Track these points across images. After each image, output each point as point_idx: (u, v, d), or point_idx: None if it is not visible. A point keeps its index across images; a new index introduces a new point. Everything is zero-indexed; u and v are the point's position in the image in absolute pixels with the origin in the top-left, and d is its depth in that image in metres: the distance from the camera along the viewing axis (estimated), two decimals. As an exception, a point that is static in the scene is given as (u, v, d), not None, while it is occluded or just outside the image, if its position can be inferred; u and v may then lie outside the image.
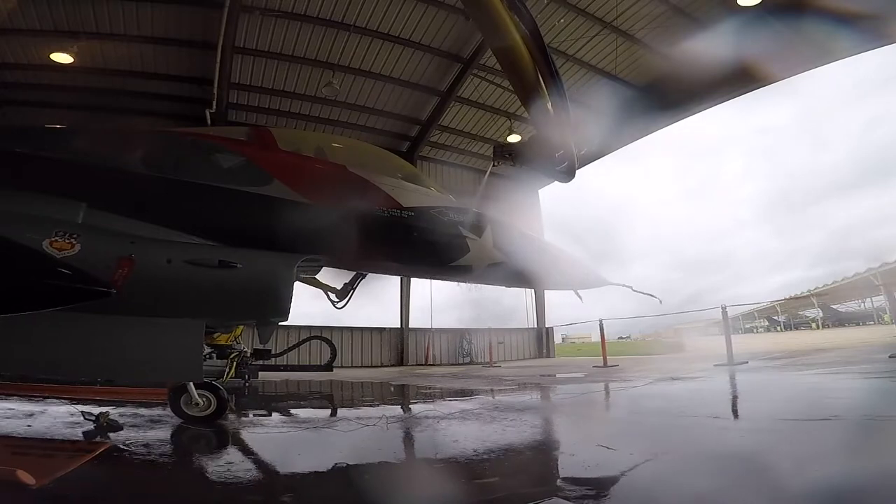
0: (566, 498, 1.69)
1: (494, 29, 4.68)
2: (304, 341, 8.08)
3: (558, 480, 2.24)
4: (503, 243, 4.50)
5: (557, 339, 17.83)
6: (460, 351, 14.53)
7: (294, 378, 7.81)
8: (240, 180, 3.60)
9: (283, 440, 3.17)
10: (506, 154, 5.81)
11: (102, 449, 2.40)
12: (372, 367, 12.83)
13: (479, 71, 11.55)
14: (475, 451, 2.81)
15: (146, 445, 2.76)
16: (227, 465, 2.39)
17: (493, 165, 6.39)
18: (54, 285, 1.68)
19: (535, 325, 16.15)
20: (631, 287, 5.30)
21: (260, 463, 2.54)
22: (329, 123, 12.39)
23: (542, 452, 3.08)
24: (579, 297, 4.91)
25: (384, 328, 13.78)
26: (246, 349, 7.05)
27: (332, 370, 7.46)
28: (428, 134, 13.30)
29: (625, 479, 2.09)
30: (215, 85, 9.93)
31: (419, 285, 14.37)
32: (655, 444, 2.81)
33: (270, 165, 3.79)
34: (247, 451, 2.83)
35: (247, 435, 3.46)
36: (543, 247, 4.93)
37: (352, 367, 12.44)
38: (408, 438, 3.32)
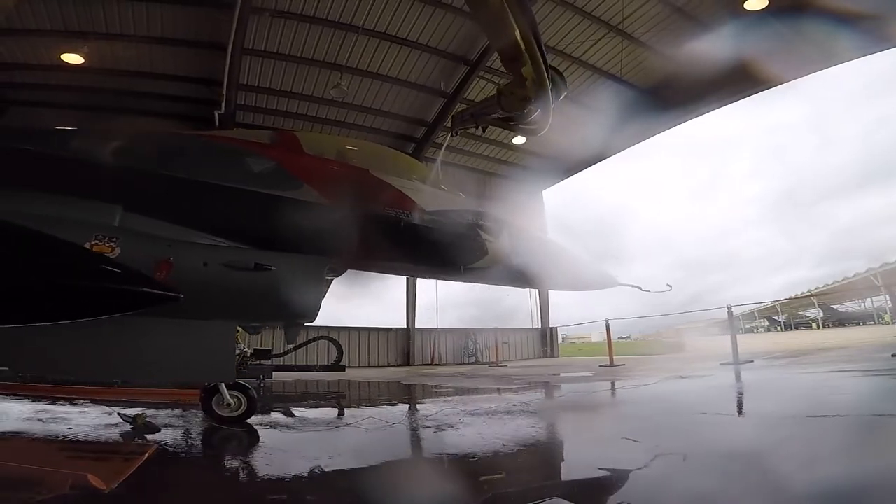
0: (570, 498, 1.77)
1: (496, 26, 4.44)
2: (310, 341, 8.10)
3: (595, 468, 2.35)
4: (519, 245, 4.59)
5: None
6: (465, 351, 14.62)
7: (307, 378, 7.86)
8: (271, 184, 3.67)
9: (321, 439, 3.23)
10: (466, 117, 5.08)
11: (152, 450, 2.45)
12: (378, 367, 12.90)
13: (485, 73, 11.61)
14: (504, 445, 2.92)
15: (191, 447, 2.82)
16: (280, 463, 2.45)
17: (453, 136, 5.72)
18: (118, 290, 1.71)
19: (539, 325, 16.26)
20: (640, 287, 5.39)
21: (310, 460, 2.61)
22: (336, 125, 12.43)
23: (572, 445, 3.18)
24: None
25: (390, 328, 13.85)
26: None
27: (344, 370, 7.50)
28: (433, 135, 13.35)
29: (655, 467, 2.23)
30: (224, 86, 9.94)
31: (423, 285, 14.47)
32: (677, 437, 2.97)
33: (299, 170, 3.85)
34: (293, 450, 2.89)
35: (283, 435, 3.51)
36: (556, 248, 5.02)
37: (359, 367, 12.50)
38: (437, 435, 3.37)
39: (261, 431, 3.54)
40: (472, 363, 14.10)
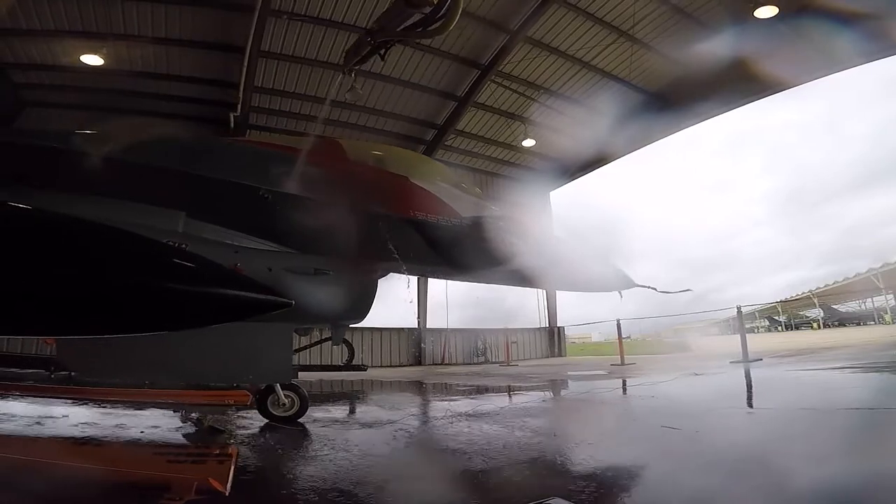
0: (568, 497, 1.88)
1: None
2: (322, 341, 8.14)
3: (654, 451, 2.57)
4: (541, 247, 4.75)
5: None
6: (475, 350, 14.77)
7: (328, 378, 7.96)
8: (322, 192, 3.78)
9: (379, 435, 3.35)
10: (362, 41, 3.74)
11: (236, 451, 2.51)
12: (391, 366, 13.01)
13: (496, 77, 11.78)
14: (555, 434, 3.06)
15: (266, 446, 2.93)
16: (363, 460, 2.58)
17: (345, 74, 4.44)
18: (245, 297, 1.80)
19: (547, 325, 16.43)
20: (655, 288, 5.56)
21: (384, 457, 2.74)
22: (347, 126, 12.48)
23: (621, 433, 3.34)
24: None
25: (402, 328, 13.97)
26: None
27: (366, 370, 7.62)
28: (443, 138, 13.48)
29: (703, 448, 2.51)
30: (241, 88, 10.00)
31: (431, 286, 14.56)
32: (712, 426, 3.21)
33: (348, 177, 3.97)
34: (364, 446, 2.99)
35: (350, 433, 3.60)
36: (574, 249, 5.18)
37: (371, 366, 12.58)
38: (487, 429, 3.50)
39: (319, 429, 3.64)
40: (482, 363, 14.25)
